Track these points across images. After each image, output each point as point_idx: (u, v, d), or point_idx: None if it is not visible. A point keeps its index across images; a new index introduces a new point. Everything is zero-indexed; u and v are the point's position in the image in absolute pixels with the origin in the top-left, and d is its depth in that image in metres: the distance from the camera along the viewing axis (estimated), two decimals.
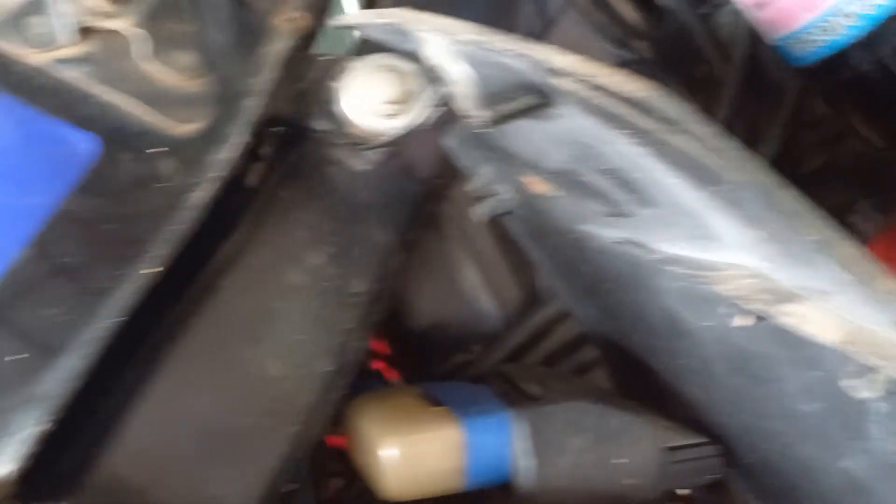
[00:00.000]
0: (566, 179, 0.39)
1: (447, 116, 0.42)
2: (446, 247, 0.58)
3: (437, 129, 0.46)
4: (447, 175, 0.51)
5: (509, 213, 0.48)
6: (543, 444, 0.43)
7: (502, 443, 0.44)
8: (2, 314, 0.35)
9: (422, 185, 0.49)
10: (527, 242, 0.49)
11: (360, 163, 0.46)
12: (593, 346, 0.55)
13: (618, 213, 0.38)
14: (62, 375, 0.34)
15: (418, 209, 0.48)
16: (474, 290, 0.58)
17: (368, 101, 0.39)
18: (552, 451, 0.43)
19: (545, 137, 0.38)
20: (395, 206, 0.47)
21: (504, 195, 0.47)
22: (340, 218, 0.45)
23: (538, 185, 0.42)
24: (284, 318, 0.41)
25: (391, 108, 0.39)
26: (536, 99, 0.35)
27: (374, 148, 0.41)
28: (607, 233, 0.40)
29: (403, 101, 0.39)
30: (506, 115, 0.35)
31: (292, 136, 0.45)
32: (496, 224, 0.58)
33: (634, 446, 0.43)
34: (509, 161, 0.43)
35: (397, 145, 0.45)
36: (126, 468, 0.37)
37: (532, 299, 0.59)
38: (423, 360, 0.59)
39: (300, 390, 0.41)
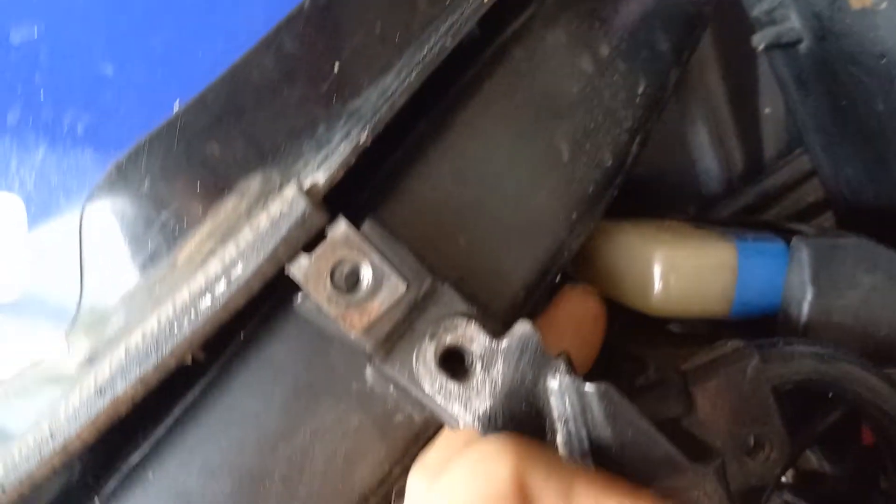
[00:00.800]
0: None
1: None
2: (681, 98, 0.54)
3: None
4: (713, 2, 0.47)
5: (793, 43, 0.43)
6: (828, 276, 0.39)
7: (777, 270, 0.41)
8: (331, 23, 0.32)
9: (694, 6, 0.46)
10: (795, 86, 0.46)
11: None
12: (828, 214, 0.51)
13: None
14: (384, 95, 0.31)
15: (692, 30, 0.45)
16: (701, 147, 0.55)
17: None
18: (840, 285, 0.39)
19: None
20: (675, 20, 0.44)
21: (791, 23, 0.43)
22: (628, 16, 0.42)
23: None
24: (578, 103, 0.38)
25: None
26: None
27: None
28: None
29: None
30: None
31: None
32: (733, 84, 0.54)
33: None
34: None
35: None
36: (417, 207, 0.34)
37: (757, 166, 0.56)
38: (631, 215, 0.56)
39: (584, 178, 0.38)
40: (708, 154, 0.55)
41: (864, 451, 0.53)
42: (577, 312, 0.37)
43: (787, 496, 0.52)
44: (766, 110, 0.55)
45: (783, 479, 0.55)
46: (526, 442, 0.30)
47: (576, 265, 0.46)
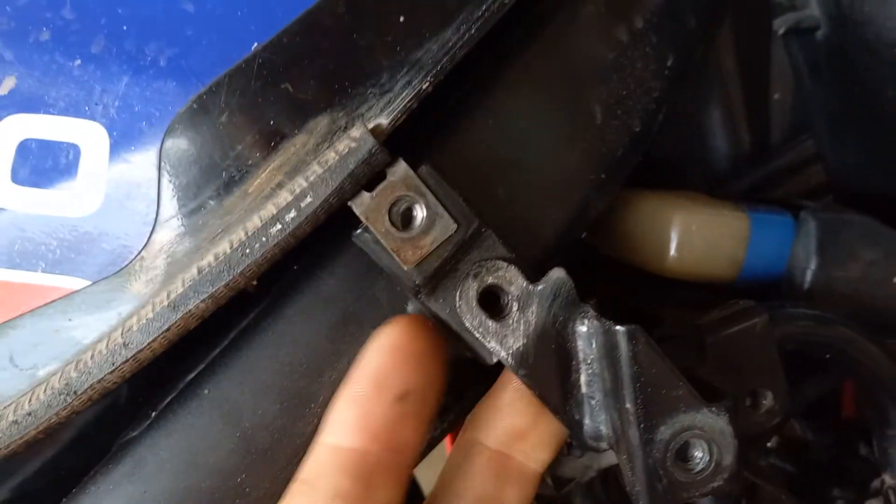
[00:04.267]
0: None
1: None
2: (696, 78, 0.57)
3: None
4: None
5: (811, 30, 0.46)
6: (832, 249, 0.43)
7: (784, 240, 0.44)
8: None
9: None
10: (809, 72, 0.49)
11: None
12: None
13: None
14: (444, 47, 0.34)
15: (718, 9, 0.48)
16: (712, 127, 0.58)
17: None
18: (843, 257, 0.42)
19: None
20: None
21: (811, 10, 0.46)
22: None
23: None
24: (612, 70, 0.41)
25: None
26: None
27: None
28: None
29: None
30: None
31: None
32: (747, 68, 0.57)
33: None
34: None
35: None
36: (463, 159, 0.37)
37: (764, 149, 0.59)
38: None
39: (614, 141, 0.41)
40: (718, 134, 0.58)
41: (844, 423, 0.57)
42: None
43: (773, 460, 0.56)
44: (776, 96, 0.58)
45: (770, 444, 0.58)
46: None
47: (597, 231, 0.49)
